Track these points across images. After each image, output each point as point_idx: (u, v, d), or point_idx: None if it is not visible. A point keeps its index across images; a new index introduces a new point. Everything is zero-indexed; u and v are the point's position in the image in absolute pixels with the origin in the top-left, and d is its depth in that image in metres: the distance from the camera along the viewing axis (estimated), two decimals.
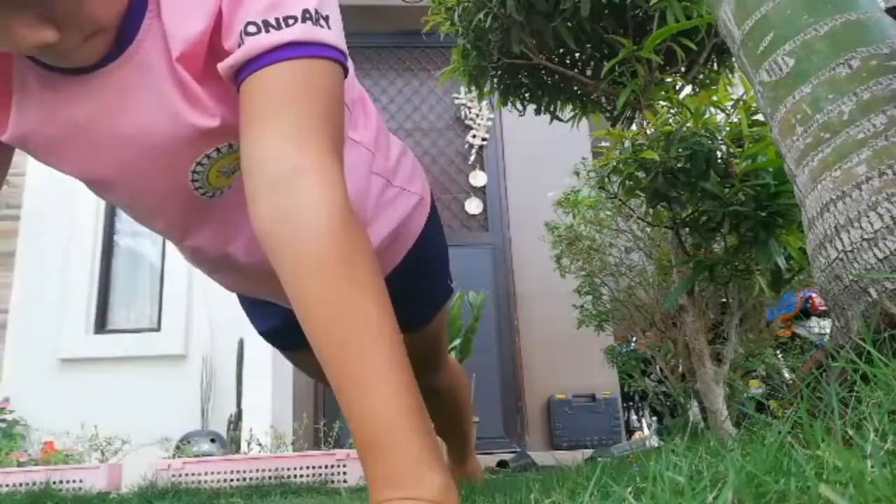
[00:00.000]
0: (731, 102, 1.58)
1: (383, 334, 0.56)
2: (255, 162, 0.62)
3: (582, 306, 2.69)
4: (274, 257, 0.60)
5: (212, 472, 2.60)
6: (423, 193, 1.11)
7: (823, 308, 2.92)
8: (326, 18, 0.66)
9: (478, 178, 4.45)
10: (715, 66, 1.96)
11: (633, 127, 1.86)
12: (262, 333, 1.28)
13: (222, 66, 0.66)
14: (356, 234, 0.60)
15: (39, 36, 0.59)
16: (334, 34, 0.67)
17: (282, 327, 1.16)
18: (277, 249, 0.59)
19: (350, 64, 0.74)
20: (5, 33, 0.58)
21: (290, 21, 0.64)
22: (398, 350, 0.56)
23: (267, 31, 0.63)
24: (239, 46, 0.65)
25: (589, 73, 2.03)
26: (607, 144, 1.68)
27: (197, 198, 0.81)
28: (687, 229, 1.61)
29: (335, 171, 0.62)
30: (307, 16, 0.65)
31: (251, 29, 0.64)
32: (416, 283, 1.14)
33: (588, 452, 3.16)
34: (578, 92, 2.10)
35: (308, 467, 2.60)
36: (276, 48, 0.63)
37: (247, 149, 0.63)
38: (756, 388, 2.60)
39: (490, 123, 4.54)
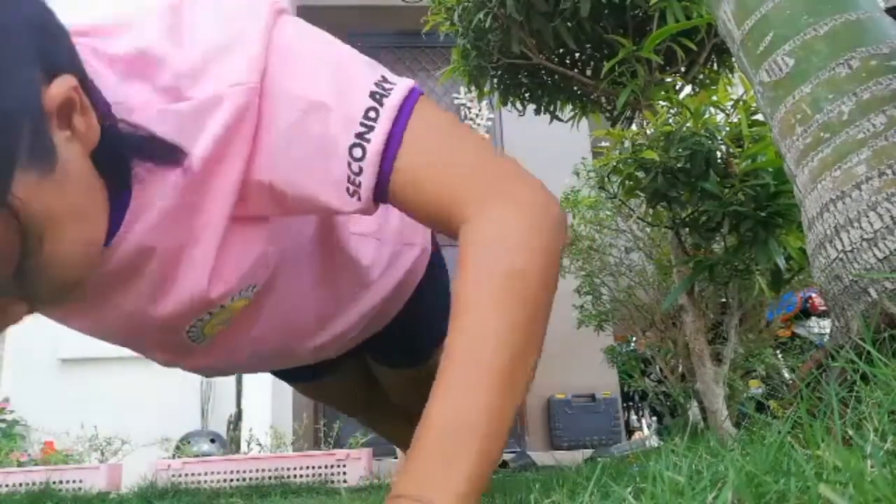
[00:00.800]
0: (730, 102, 1.58)
1: (514, 369, 0.54)
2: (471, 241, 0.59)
3: (582, 306, 2.69)
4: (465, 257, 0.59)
5: (212, 472, 2.60)
6: (425, 242, 1.11)
7: (823, 308, 2.93)
8: (384, 79, 0.62)
9: None
10: (715, 66, 1.96)
11: (633, 127, 1.86)
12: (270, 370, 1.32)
13: (356, 209, 0.62)
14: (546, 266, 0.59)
15: (14, 315, 0.56)
16: (397, 80, 0.63)
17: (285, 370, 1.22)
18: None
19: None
20: None
21: (372, 115, 0.59)
22: (509, 383, 0.54)
23: (368, 142, 0.59)
24: (351, 192, 0.60)
25: (589, 73, 2.03)
26: (607, 144, 1.68)
27: (190, 343, 0.80)
28: (687, 229, 1.61)
29: (510, 206, 0.60)
30: (377, 96, 0.60)
31: (356, 153, 0.59)
32: (418, 326, 1.14)
33: (588, 452, 3.16)
34: (578, 92, 2.10)
35: (308, 467, 2.60)
36: (386, 150, 0.59)
37: (467, 237, 0.60)
38: (756, 388, 2.60)
39: (490, 123, 4.53)
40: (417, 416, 0.54)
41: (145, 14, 0.64)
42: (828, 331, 2.84)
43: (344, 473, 2.60)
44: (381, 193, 0.61)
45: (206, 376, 1.07)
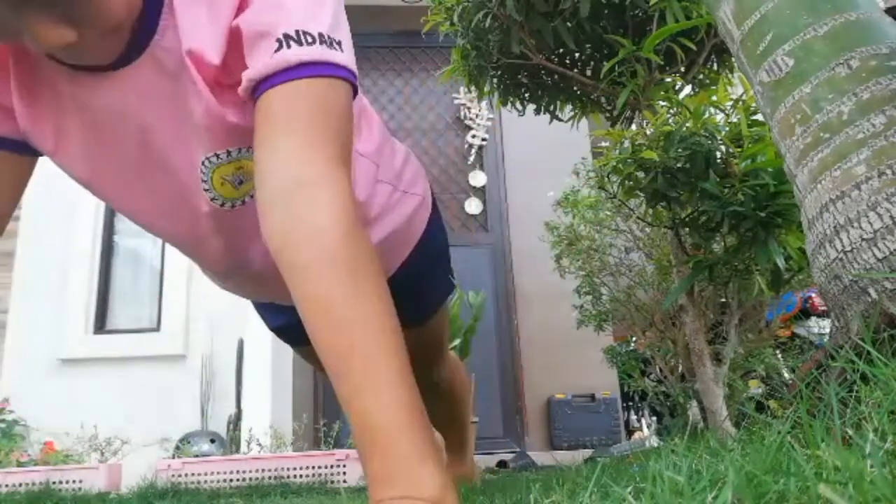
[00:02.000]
0: (730, 102, 1.58)
1: (384, 337, 0.57)
2: (266, 173, 0.65)
3: (581, 306, 2.69)
4: (282, 262, 0.62)
5: (211, 473, 2.60)
6: (425, 194, 1.14)
7: (823, 308, 2.92)
8: (339, 43, 0.70)
9: (477, 178, 4.45)
10: (714, 66, 1.96)
11: (633, 127, 1.86)
12: (273, 329, 1.31)
13: (244, 79, 0.68)
14: (361, 242, 0.62)
15: (60, 36, 0.61)
16: (346, 56, 0.70)
17: (295, 323, 1.18)
18: (285, 255, 0.62)
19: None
20: (27, 34, 0.61)
21: (310, 40, 0.67)
22: (398, 352, 0.57)
23: (288, 47, 0.66)
24: (254, 58, 0.68)
25: (589, 73, 2.03)
26: (607, 144, 1.68)
27: (216, 209, 0.84)
28: (686, 229, 1.61)
29: (343, 181, 0.64)
30: (322, 39, 0.68)
31: (273, 45, 0.67)
32: (419, 281, 1.16)
33: (588, 452, 3.16)
34: (578, 92, 2.10)
35: (308, 467, 2.60)
36: (293, 67, 0.66)
37: (260, 160, 0.66)
38: (756, 388, 2.60)
39: (490, 123, 4.53)
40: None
41: None
42: (827, 331, 2.84)
43: (344, 473, 2.60)
44: (253, 89, 0.68)
45: (221, 281, 1.07)
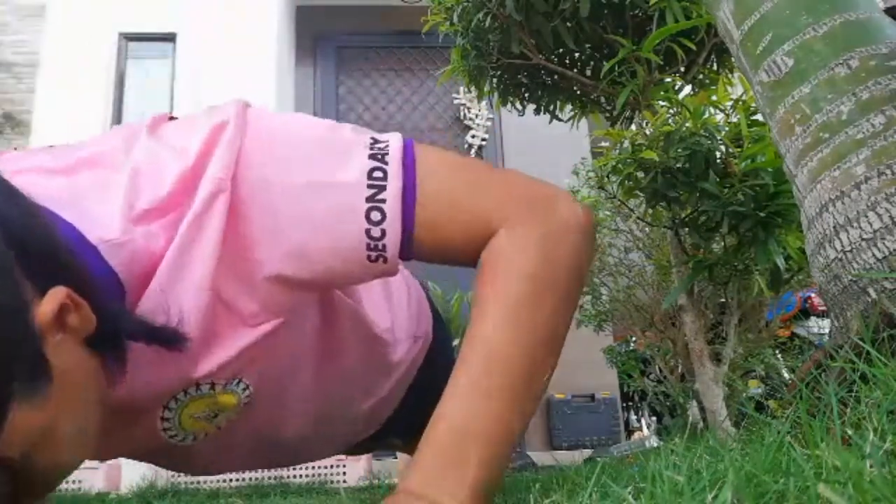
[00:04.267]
0: (730, 102, 1.58)
1: (525, 378, 0.55)
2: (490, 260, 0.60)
3: (581, 306, 2.69)
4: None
5: None
6: (427, 332, 1.06)
7: (822, 308, 2.92)
8: (375, 140, 0.61)
9: None
10: (714, 66, 1.96)
11: (633, 127, 1.86)
12: None
13: (381, 273, 0.61)
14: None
15: None
16: (385, 137, 0.62)
17: None
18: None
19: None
20: None
21: (378, 174, 0.58)
22: (529, 402, 0.56)
23: (384, 202, 0.58)
24: (372, 259, 0.59)
25: (588, 73, 2.03)
26: (607, 144, 1.68)
27: (177, 445, 0.72)
28: (686, 229, 1.61)
29: (528, 222, 0.60)
30: (376, 156, 0.59)
31: (375, 216, 0.58)
32: (421, 405, 1.11)
33: (587, 452, 3.16)
34: (578, 92, 2.10)
35: (308, 467, 2.60)
36: (403, 209, 0.58)
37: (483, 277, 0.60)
38: (755, 387, 2.60)
39: (489, 123, 4.54)
40: None
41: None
42: (827, 331, 2.84)
43: (344, 474, 2.60)
44: (407, 249, 0.60)
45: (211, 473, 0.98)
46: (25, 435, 0.46)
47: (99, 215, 0.56)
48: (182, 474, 2.57)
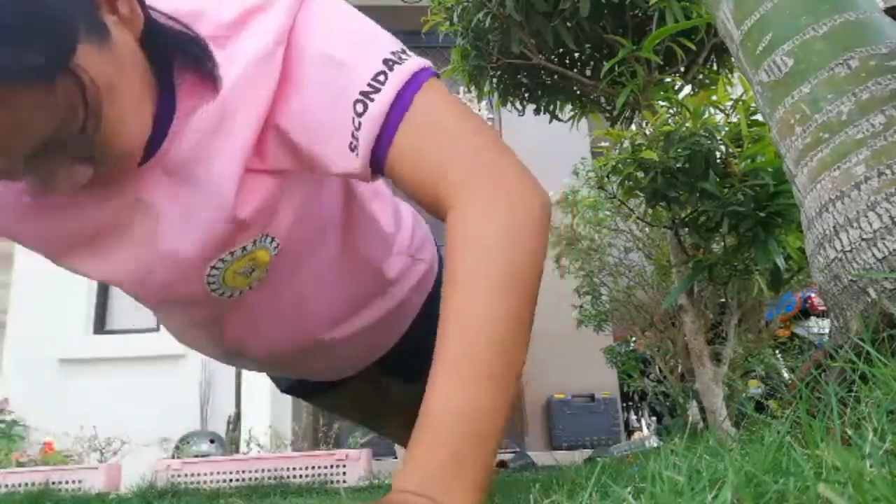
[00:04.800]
0: (730, 102, 1.58)
1: (510, 364, 0.56)
2: (456, 229, 0.61)
3: (581, 306, 2.69)
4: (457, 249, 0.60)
5: (211, 473, 2.60)
6: (432, 260, 1.10)
7: (822, 308, 2.92)
8: (403, 51, 0.65)
9: None
10: (714, 66, 1.96)
11: (633, 127, 1.86)
12: (284, 391, 1.33)
13: (354, 168, 0.64)
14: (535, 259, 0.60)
15: (76, 177, 0.59)
16: (413, 56, 0.65)
17: (298, 384, 1.26)
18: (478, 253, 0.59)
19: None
20: (43, 180, 0.59)
21: (381, 78, 0.62)
22: (509, 376, 0.56)
23: (371, 100, 0.62)
24: (352, 147, 0.63)
25: (588, 73, 2.03)
26: (607, 144, 1.68)
27: (215, 299, 0.80)
28: (686, 229, 1.61)
29: (516, 180, 0.62)
30: (390, 63, 0.63)
31: (358, 108, 0.62)
32: (425, 342, 1.13)
33: (587, 452, 3.16)
34: (578, 92, 2.10)
35: (307, 467, 2.60)
36: (388, 119, 0.62)
37: (449, 220, 0.62)
38: (755, 387, 2.60)
39: (489, 123, 4.53)
40: None
41: None
42: (827, 331, 2.84)
43: (343, 474, 2.60)
44: (379, 160, 0.63)
45: (227, 361, 1.06)
46: (97, 73, 0.54)
47: None
48: (182, 474, 2.57)
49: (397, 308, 1.03)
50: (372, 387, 1.36)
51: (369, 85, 0.62)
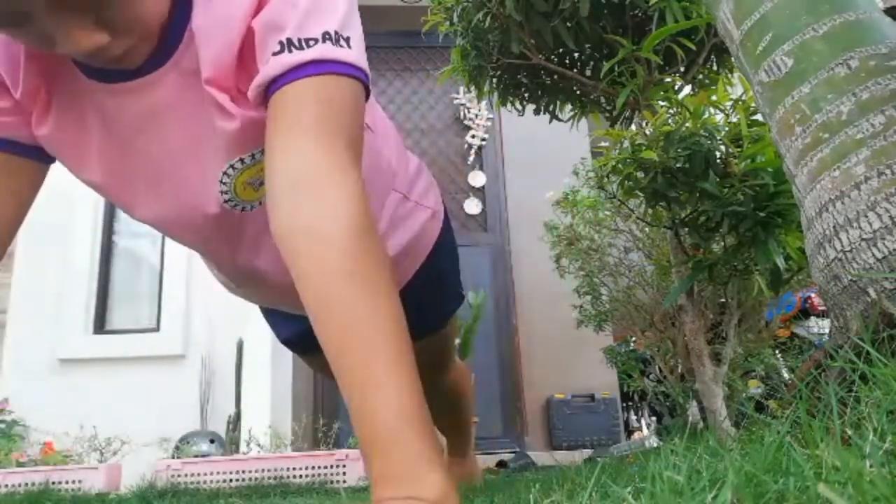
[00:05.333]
0: (730, 102, 1.58)
1: (390, 338, 0.57)
2: (276, 169, 0.65)
3: (581, 306, 2.69)
4: (290, 260, 0.62)
5: (211, 473, 2.60)
6: (437, 207, 1.14)
7: (822, 308, 2.92)
8: (347, 39, 0.70)
9: (477, 179, 4.45)
10: (714, 67, 1.96)
11: (633, 127, 1.86)
12: (283, 341, 1.33)
13: (251, 87, 0.70)
14: (372, 242, 0.62)
15: (94, 39, 0.63)
16: (355, 53, 0.70)
17: (303, 333, 1.23)
18: (294, 253, 0.62)
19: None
20: (64, 38, 0.62)
21: (311, 42, 0.68)
22: (405, 354, 0.57)
23: (290, 52, 0.67)
24: (265, 64, 0.68)
25: (588, 73, 2.03)
26: (606, 144, 1.68)
27: (227, 210, 0.83)
28: (686, 229, 1.61)
29: (354, 178, 0.64)
30: (327, 37, 0.68)
31: (276, 48, 0.68)
32: (428, 295, 1.16)
33: (587, 452, 3.16)
34: (578, 92, 2.10)
35: (307, 467, 2.60)
36: (297, 67, 0.67)
37: (269, 158, 0.66)
38: (755, 387, 2.60)
39: (489, 123, 4.53)
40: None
41: None
42: (827, 331, 2.84)
43: (343, 474, 2.60)
44: (263, 94, 0.69)
45: (234, 287, 1.08)
46: None
47: None
48: (182, 474, 2.56)
49: (401, 248, 1.05)
50: None
51: (299, 40, 0.67)
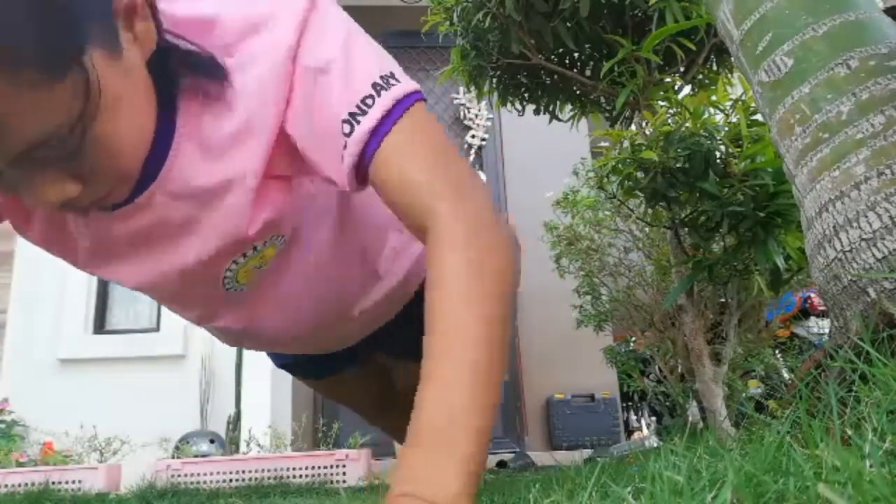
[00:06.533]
0: (729, 102, 1.58)
1: (491, 363, 0.57)
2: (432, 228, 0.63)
3: (581, 306, 2.69)
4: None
5: (211, 473, 2.60)
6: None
7: (822, 308, 2.93)
8: (392, 75, 0.68)
9: None
10: (714, 67, 1.96)
11: (632, 127, 1.86)
12: (280, 367, 1.35)
13: (344, 175, 0.67)
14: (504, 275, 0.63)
15: (63, 192, 0.58)
16: (403, 80, 0.69)
17: (297, 361, 1.28)
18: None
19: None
20: (27, 190, 0.58)
21: (369, 101, 0.66)
22: (495, 382, 0.57)
23: (358, 123, 0.65)
24: (342, 156, 0.66)
25: (588, 73, 2.03)
26: (606, 144, 1.68)
27: (226, 293, 0.85)
28: (686, 229, 1.61)
29: (470, 207, 0.64)
30: (379, 87, 0.66)
31: (346, 129, 0.65)
32: (407, 331, 1.15)
33: (587, 452, 3.16)
34: (577, 92, 2.10)
35: (307, 467, 2.60)
36: (371, 136, 0.65)
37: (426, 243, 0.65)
38: (755, 387, 2.60)
39: (489, 123, 4.53)
40: None
41: None
42: (827, 331, 2.84)
43: (343, 474, 2.60)
44: (363, 175, 0.68)
45: (233, 344, 1.10)
46: (106, 82, 0.55)
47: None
48: (182, 474, 2.56)
49: (398, 287, 1.05)
50: (377, 377, 1.37)
51: (357, 107, 0.65)
